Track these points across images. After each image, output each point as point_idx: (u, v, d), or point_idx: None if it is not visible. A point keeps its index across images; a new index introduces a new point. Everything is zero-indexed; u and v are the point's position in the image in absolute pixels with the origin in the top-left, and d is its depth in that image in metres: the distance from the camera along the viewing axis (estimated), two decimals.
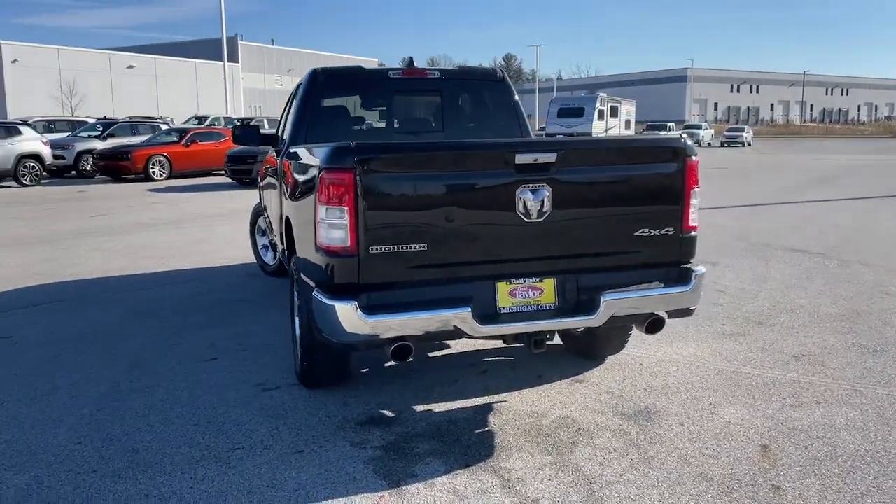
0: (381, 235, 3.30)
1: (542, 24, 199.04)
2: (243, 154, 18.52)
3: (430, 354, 4.87)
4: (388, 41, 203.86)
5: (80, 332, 5.46)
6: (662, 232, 3.69)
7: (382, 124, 5.39)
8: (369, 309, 3.27)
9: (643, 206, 3.67)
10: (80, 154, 22.01)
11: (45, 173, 19.98)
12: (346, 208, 3.24)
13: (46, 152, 19.90)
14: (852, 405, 3.95)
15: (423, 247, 3.35)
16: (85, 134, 23.94)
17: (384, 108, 5.45)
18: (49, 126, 25.90)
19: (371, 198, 3.26)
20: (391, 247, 3.31)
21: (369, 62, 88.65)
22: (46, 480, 3.20)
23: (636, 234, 3.64)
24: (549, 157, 3.42)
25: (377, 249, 3.30)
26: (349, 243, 3.27)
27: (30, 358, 4.89)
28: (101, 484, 3.18)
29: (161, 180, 20.52)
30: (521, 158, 3.37)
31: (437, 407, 3.99)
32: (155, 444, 3.56)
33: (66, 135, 24.24)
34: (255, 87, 70.49)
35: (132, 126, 25.01)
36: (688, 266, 3.78)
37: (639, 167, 3.67)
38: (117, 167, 20.55)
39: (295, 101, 5.28)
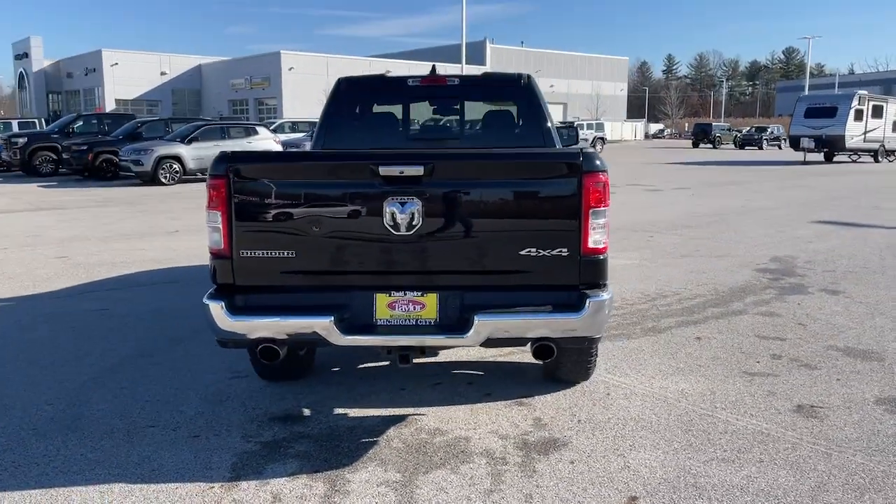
0: (252, 240, 3.47)
1: (827, 14, 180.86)
2: None
3: (417, 361, 4.90)
4: (649, 38, 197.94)
5: (156, 309, 6.25)
6: (554, 253, 3.42)
7: (398, 131, 5.48)
8: (237, 309, 3.46)
9: (528, 225, 3.43)
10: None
11: None
12: (220, 213, 3.45)
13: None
14: (796, 470, 3.35)
15: (292, 254, 3.46)
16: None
17: (404, 115, 5.53)
18: (293, 126, 29.01)
19: (242, 204, 3.45)
20: (261, 252, 3.47)
21: (619, 61, 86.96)
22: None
23: (521, 253, 3.42)
24: (416, 170, 3.34)
25: (248, 253, 3.47)
26: (223, 246, 3.48)
27: (99, 328, 5.73)
28: (28, 439, 3.72)
29: None
30: (385, 170, 3.34)
31: (355, 412, 4.06)
32: (103, 414, 4.05)
33: (303, 135, 26.93)
34: None
35: (223, 127, 26.58)
36: (587, 291, 3.46)
37: (524, 182, 3.44)
38: None
39: (322, 109, 5.58)
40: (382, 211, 3.37)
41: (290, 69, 59.61)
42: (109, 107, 63.23)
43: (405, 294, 3.50)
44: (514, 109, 5.47)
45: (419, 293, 3.50)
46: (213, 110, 63.48)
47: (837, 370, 4.68)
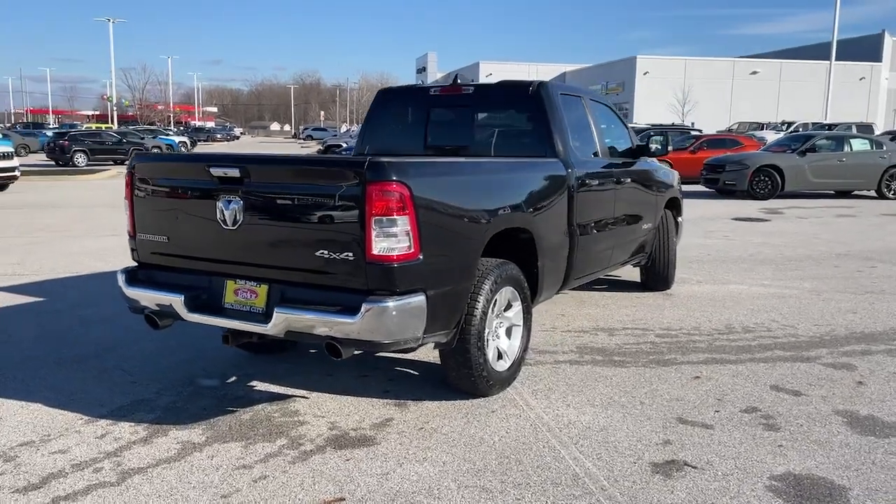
0: (144, 225, 4.23)
1: None
2: (718, 162, 18.10)
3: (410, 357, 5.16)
4: None
5: None
6: (342, 256, 3.56)
7: (420, 138, 5.73)
8: (134, 281, 4.25)
9: (321, 228, 3.60)
10: None
11: None
12: (127, 201, 4.28)
13: None
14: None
15: (165, 239, 4.14)
16: None
17: (424, 123, 5.75)
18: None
19: (138, 195, 4.23)
20: (149, 235, 4.22)
21: None
22: None
23: (317, 254, 3.62)
24: (234, 172, 3.76)
25: (143, 236, 4.25)
26: (129, 228, 4.31)
27: None
28: None
29: None
30: (214, 171, 3.83)
31: (259, 385, 4.57)
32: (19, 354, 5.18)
33: None
34: None
35: (660, 133, 26.19)
36: (371, 297, 3.52)
37: (317, 187, 3.61)
38: None
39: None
40: (216, 207, 3.86)
41: (645, 73, 59.12)
42: None
43: (245, 283, 3.94)
44: (523, 117, 5.39)
45: (255, 283, 3.91)
46: None
47: None
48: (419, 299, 3.61)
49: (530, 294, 4.66)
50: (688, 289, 7.47)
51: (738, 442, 3.78)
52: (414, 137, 5.75)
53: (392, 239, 3.48)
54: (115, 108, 65.28)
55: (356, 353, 3.85)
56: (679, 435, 3.87)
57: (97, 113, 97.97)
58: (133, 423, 3.98)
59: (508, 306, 4.50)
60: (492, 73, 72.37)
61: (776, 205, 16.16)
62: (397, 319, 3.54)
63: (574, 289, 7.25)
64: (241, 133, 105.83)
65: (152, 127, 56.52)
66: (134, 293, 4.20)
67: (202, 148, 51.85)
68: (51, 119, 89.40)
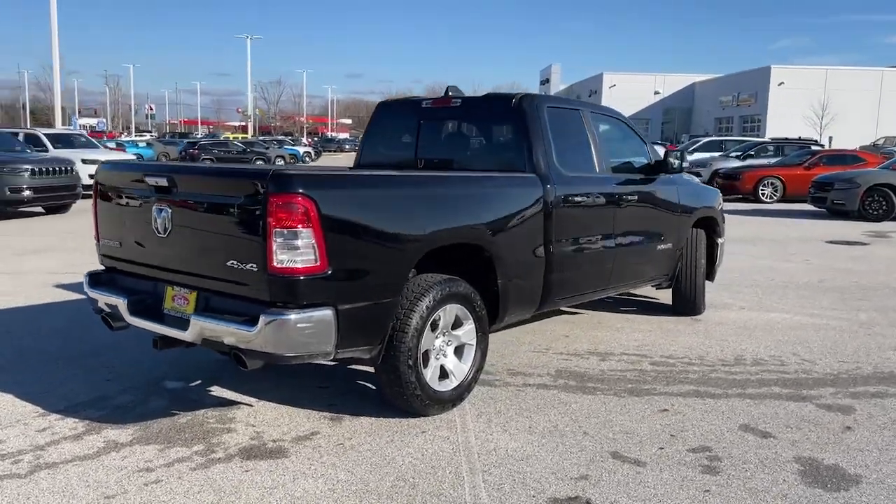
0: (103, 230, 4.47)
1: None
2: (827, 180, 16.88)
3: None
4: None
5: None
6: (247, 267, 3.59)
7: (412, 150, 5.68)
8: (93, 283, 4.47)
9: (231, 239, 3.65)
10: (715, 173, 23.26)
11: None
12: (93, 207, 4.53)
13: None
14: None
15: (118, 244, 4.34)
16: (736, 153, 24.98)
17: (415, 136, 5.69)
18: (721, 146, 27.87)
19: (100, 203, 4.46)
20: (106, 240, 4.45)
21: None
22: None
23: (227, 264, 3.67)
24: (164, 182, 3.89)
25: (104, 241, 4.48)
26: (94, 232, 4.55)
27: None
28: None
29: (770, 203, 20.18)
30: (149, 180, 3.98)
31: (215, 391, 4.68)
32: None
33: (716, 154, 25.80)
34: None
35: (778, 147, 24.74)
36: (273, 309, 3.52)
37: (228, 198, 3.65)
38: (730, 186, 21.08)
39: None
40: (151, 214, 4.01)
41: (780, 84, 55.97)
42: None
43: (181, 290, 4.06)
44: (504, 131, 5.25)
45: (188, 290, 4.02)
46: (701, 129, 63.21)
47: None
48: (324, 313, 3.58)
49: (487, 313, 4.51)
50: (723, 315, 6.98)
51: (662, 483, 3.49)
52: (406, 150, 5.73)
53: (294, 251, 3.48)
54: (251, 119, 69.23)
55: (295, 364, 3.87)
56: (602, 471, 3.62)
57: (242, 124, 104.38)
58: (78, 420, 4.18)
59: (458, 324, 4.38)
60: (615, 83, 71.00)
61: (887, 228, 14.81)
62: (298, 333, 3.52)
63: (596, 309, 6.99)
64: None
65: (281, 137, 59.35)
66: (92, 294, 4.43)
67: (326, 158, 53.82)
68: (199, 129, 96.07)
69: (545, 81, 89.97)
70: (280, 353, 3.57)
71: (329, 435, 4.01)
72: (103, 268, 4.59)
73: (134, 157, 21.91)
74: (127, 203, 4.29)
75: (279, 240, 3.46)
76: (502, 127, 5.28)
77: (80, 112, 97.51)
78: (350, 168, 5.81)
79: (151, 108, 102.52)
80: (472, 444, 3.92)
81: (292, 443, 3.91)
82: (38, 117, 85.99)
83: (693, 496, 3.37)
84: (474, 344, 4.45)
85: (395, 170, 5.52)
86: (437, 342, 4.28)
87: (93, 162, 17.89)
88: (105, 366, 5.16)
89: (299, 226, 3.46)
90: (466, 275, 4.45)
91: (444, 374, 4.33)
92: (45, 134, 21.25)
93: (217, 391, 4.70)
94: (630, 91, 68.76)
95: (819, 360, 5.51)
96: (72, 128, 45.25)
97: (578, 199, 5.19)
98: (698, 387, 4.88)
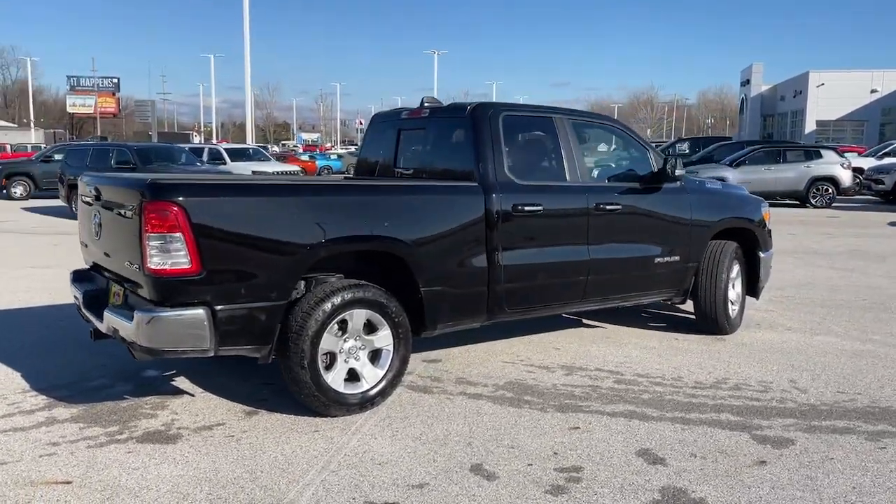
0: (80, 233, 5.11)
1: None
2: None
3: None
4: None
5: None
6: (134, 268, 3.99)
7: (392, 159, 5.82)
8: (73, 279, 5.11)
9: (126, 241, 4.07)
10: None
11: (837, 196, 20.19)
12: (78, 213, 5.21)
13: (844, 176, 20.05)
14: None
15: (85, 245, 4.95)
16: None
17: (395, 146, 5.82)
18: None
19: (80, 209, 5.12)
20: (81, 242, 5.08)
21: None
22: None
23: (125, 264, 4.09)
24: (94, 191, 4.41)
25: (81, 242, 5.13)
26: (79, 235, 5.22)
27: None
28: None
29: None
30: (90, 189, 4.51)
31: (186, 385, 5.12)
32: None
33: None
34: None
35: None
36: (146, 307, 3.88)
37: (123, 205, 4.07)
38: None
39: None
40: (92, 219, 4.56)
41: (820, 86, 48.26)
42: (808, 128, 63.34)
43: (116, 287, 4.55)
44: (457, 140, 5.26)
45: (120, 287, 4.50)
46: None
47: None
48: (196, 312, 3.88)
49: (408, 321, 4.58)
50: (755, 335, 6.41)
51: (494, 498, 3.40)
52: (388, 159, 5.90)
53: (166, 255, 3.81)
54: None
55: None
56: (446, 482, 3.58)
57: None
58: (46, 397, 4.78)
59: (374, 329, 4.48)
60: (823, 82, 65.04)
61: None
62: (169, 330, 3.85)
63: (622, 323, 6.72)
64: None
65: None
66: (71, 289, 5.08)
67: None
68: None
69: (746, 83, 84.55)
70: (156, 348, 3.92)
71: (231, 427, 4.29)
72: (87, 266, 5.23)
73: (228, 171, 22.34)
74: (85, 209, 4.89)
75: (153, 243, 3.81)
76: (457, 136, 5.29)
77: (300, 128, 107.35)
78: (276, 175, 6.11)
79: (361, 122, 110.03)
80: (349, 446, 4.02)
81: (193, 432, 4.23)
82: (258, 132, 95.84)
83: None
84: (391, 350, 4.53)
85: (379, 178, 5.74)
86: (346, 345, 4.41)
87: (262, 173, 19.75)
88: (107, 352, 5.78)
89: (171, 231, 3.79)
90: (392, 281, 4.56)
91: (355, 377, 4.45)
92: (225, 149, 23.83)
93: (179, 381, 5.14)
94: (841, 90, 62.66)
95: (812, 390, 4.94)
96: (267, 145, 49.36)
97: (533, 208, 5.06)
98: (638, 408, 4.59)
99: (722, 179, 19.96)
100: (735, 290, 6.47)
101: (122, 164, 16.13)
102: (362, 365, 4.48)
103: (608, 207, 5.46)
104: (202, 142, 61.97)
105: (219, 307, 3.95)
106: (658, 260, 5.84)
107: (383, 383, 4.52)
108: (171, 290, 3.87)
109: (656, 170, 5.80)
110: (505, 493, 3.46)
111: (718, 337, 6.32)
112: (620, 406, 4.63)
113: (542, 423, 4.34)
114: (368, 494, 3.45)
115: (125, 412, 4.53)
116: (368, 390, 4.47)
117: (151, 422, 4.38)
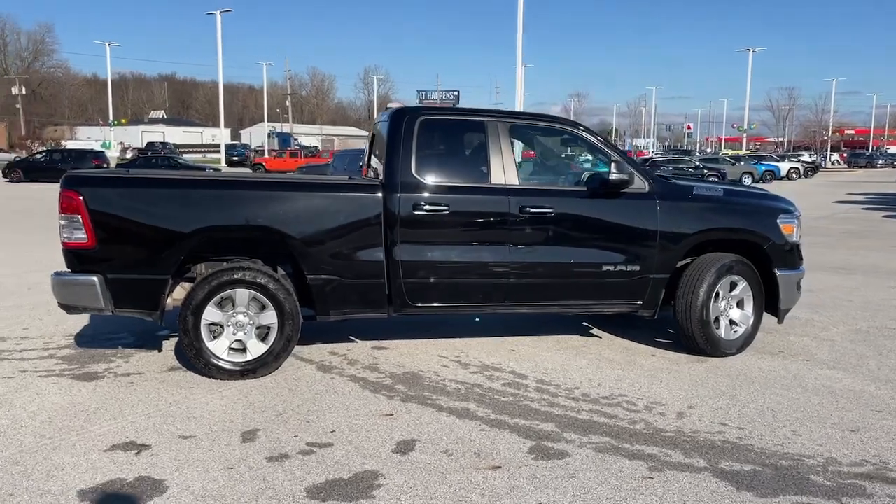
0: None
1: None
2: None
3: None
4: None
5: None
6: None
7: (367, 157, 6.33)
8: None
9: None
10: None
11: None
12: None
13: None
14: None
15: None
16: None
17: (370, 145, 6.29)
18: None
19: None
20: None
21: None
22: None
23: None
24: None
25: None
26: None
27: None
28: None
29: None
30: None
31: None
32: None
33: None
34: None
35: None
36: (60, 271, 5.06)
37: None
38: None
39: None
40: None
41: None
42: None
43: None
44: (385, 142, 5.60)
45: None
46: None
47: None
48: (88, 278, 4.94)
49: (296, 304, 5.14)
50: (746, 361, 5.73)
51: (157, 455, 3.90)
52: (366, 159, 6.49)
53: (72, 231, 4.94)
54: (744, 134, 67.73)
55: None
56: (157, 438, 4.18)
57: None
58: (69, 339, 6.19)
59: (264, 308, 5.13)
60: None
61: None
62: (70, 290, 4.99)
63: (627, 336, 6.46)
64: None
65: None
66: None
67: (836, 175, 49.23)
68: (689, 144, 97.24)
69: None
70: (63, 303, 5.07)
71: (145, 376, 5.24)
72: None
73: None
74: None
75: (63, 223, 4.96)
76: (384, 139, 5.63)
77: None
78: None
79: (690, 127, 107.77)
80: (179, 399, 4.75)
81: (119, 376, 5.23)
82: None
83: (130, 462, 3.79)
84: (276, 328, 5.14)
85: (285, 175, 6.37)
86: (234, 319, 5.12)
87: None
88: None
89: (74, 213, 4.89)
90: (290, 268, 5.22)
91: (243, 349, 5.15)
92: None
93: (174, 341, 6.25)
94: None
95: (748, 427, 4.38)
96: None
97: (436, 207, 5.27)
98: (477, 406, 4.62)
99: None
100: (740, 310, 5.82)
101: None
102: (248, 338, 5.14)
103: (536, 211, 5.40)
104: None
105: (110, 276, 4.96)
106: (608, 268, 5.56)
107: (265, 357, 5.14)
108: (75, 259, 4.98)
109: (612, 176, 5.49)
110: (170, 452, 3.93)
111: (700, 358, 5.76)
112: (461, 403, 4.69)
113: (366, 408, 4.62)
114: (96, 439, 4.15)
115: (108, 357, 5.71)
116: (249, 361, 5.13)
117: (116, 366, 5.47)
